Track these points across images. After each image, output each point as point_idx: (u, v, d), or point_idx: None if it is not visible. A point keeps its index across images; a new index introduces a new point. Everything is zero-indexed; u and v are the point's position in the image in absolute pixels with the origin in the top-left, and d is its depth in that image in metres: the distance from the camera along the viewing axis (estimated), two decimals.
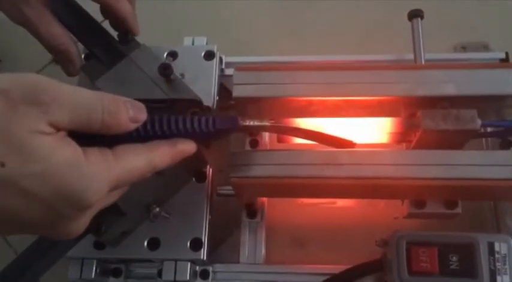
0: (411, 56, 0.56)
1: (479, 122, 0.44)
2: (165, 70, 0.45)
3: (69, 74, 0.50)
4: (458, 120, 0.44)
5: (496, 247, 0.44)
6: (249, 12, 0.70)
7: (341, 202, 0.57)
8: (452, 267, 0.44)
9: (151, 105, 0.46)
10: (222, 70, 0.58)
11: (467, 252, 0.44)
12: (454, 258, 0.44)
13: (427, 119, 0.44)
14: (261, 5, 0.70)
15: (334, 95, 0.46)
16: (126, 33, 0.50)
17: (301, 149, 0.47)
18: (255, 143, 0.55)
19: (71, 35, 0.49)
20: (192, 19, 0.70)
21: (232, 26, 0.69)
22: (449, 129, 0.44)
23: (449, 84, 0.45)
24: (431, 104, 0.45)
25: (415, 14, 0.57)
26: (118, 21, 0.49)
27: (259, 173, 0.44)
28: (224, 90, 0.57)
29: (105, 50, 0.49)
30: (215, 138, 0.42)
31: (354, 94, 0.45)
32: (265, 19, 0.69)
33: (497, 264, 0.44)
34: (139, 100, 0.46)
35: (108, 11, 0.49)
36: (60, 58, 0.49)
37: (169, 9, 0.70)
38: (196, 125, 0.38)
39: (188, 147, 0.37)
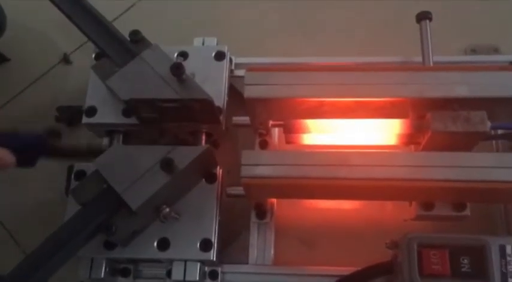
0: (420, 58, 0.56)
1: (488, 124, 0.44)
2: (178, 69, 0.46)
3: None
4: (468, 122, 0.44)
5: (508, 250, 0.44)
6: (257, 14, 0.70)
7: (349, 204, 0.57)
8: (463, 269, 0.43)
9: (164, 104, 0.47)
10: (231, 71, 0.58)
11: (479, 255, 0.44)
12: (466, 261, 0.43)
13: (436, 121, 0.44)
14: (270, 6, 0.70)
15: (346, 96, 0.46)
16: (137, 32, 0.50)
17: (312, 150, 0.47)
18: (264, 144, 0.55)
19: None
20: (200, 20, 0.70)
21: (240, 27, 0.69)
22: (459, 131, 0.44)
23: (460, 86, 0.45)
24: (441, 105, 0.45)
25: (423, 16, 0.57)
26: None
27: (270, 173, 0.44)
28: (233, 91, 0.57)
29: (116, 49, 0.49)
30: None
31: (365, 95, 0.45)
32: (274, 20, 0.69)
33: (508, 267, 0.44)
34: (152, 100, 0.47)
35: None
36: None
37: (178, 10, 0.70)
38: None
39: None
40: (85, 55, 0.67)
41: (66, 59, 0.67)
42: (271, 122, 0.53)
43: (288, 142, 0.51)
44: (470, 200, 0.47)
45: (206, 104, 0.47)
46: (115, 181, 0.44)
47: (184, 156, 0.46)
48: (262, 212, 0.53)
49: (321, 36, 0.67)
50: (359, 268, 0.48)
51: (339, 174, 0.43)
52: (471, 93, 0.44)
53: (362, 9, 0.69)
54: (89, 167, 0.52)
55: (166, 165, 0.44)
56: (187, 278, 0.48)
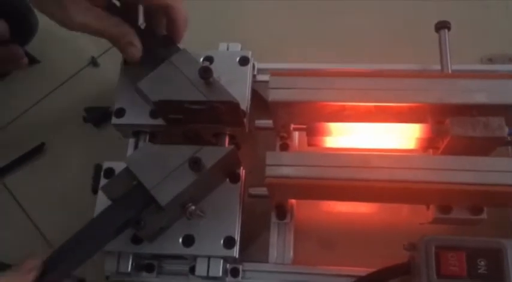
0: (438, 67, 0.58)
1: (506, 129, 0.45)
2: (206, 73, 0.47)
3: (132, 56, 0.50)
4: (487, 128, 0.45)
5: None
6: (278, 21, 0.72)
7: (366, 208, 0.58)
8: (480, 271, 0.44)
9: (191, 106, 0.49)
10: (254, 76, 0.60)
11: (495, 257, 0.45)
12: (482, 263, 0.45)
13: (456, 126, 0.46)
14: (290, 15, 0.72)
15: (367, 100, 0.47)
16: (168, 36, 0.52)
17: (333, 152, 0.48)
18: (285, 147, 0.57)
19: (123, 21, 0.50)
20: (224, 26, 0.72)
21: (262, 34, 0.70)
22: (478, 136, 0.45)
23: (479, 93, 0.46)
24: (459, 111, 0.46)
25: (442, 25, 0.58)
26: (168, 21, 0.51)
27: (294, 174, 0.45)
28: (255, 95, 0.59)
29: (146, 53, 0.51)
30: None
31: (387, 100, 0.47)
32: (295, 28, 0.71)
33: None
34: (181, 101, 0.49)
35: (159, 8, 0.50)
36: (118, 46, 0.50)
37: (203, 16, 0.72)
38: None
39: None
40: (111, 58, 0.69)
41: (94, 62, 0.70)
42: (292, 126, 0.55)
43: (310, 144, 0.52)
44: (488, 203, 0.48)
45: (232, 106, 0.49)
46: (145, 178, 0.46)
47: (211, 156, 0.48)
48: (282, 213, 0.55)
49: (341, 44, 0.68)
50: (376, 269, 0.50)
51: (361, 176, 0.45)
52: (490, 100, 0.46)
53: (380, 19, 0.70)
54: (117, 165, 0.54)
55: (195, 164, 0.46)
56: (210, 274, 0.49)
